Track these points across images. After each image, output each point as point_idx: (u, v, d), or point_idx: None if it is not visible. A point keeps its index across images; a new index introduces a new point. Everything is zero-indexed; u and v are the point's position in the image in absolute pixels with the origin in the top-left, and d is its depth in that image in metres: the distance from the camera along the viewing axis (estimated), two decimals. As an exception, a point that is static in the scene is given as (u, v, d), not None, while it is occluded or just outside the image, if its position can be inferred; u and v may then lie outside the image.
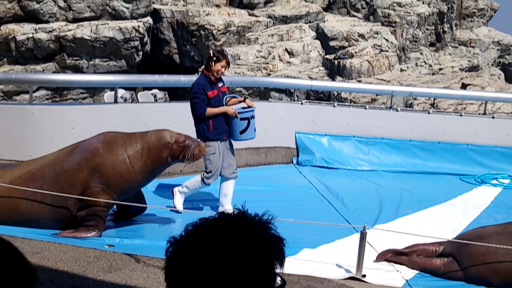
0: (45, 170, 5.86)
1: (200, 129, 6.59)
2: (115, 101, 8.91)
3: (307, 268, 5.42)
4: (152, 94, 11.63)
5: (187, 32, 18.88)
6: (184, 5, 19.88)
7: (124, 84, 10.17)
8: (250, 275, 1.25)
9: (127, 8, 18.25)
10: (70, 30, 17.61)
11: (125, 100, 10.31)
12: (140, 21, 18.23)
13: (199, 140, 6.17)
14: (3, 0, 17.44)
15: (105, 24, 17.82)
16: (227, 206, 6.70)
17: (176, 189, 6.82)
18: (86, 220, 5.71)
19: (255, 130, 6.72)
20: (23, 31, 17.46)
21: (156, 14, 19.20)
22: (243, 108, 6.70)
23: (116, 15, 18.25)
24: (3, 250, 1.31)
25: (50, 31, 17.52)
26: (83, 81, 10.95)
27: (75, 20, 18.02)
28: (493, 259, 5.37)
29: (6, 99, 16.03)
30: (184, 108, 9.41)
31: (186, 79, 10.35)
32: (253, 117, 6.64)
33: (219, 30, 18.50)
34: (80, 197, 5.62)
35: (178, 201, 6.78)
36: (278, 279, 1.34)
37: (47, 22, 17.77)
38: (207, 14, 19.06)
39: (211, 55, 6.78)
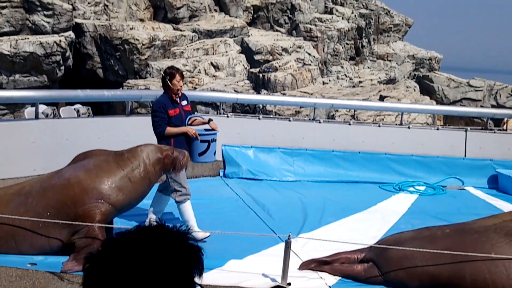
0: (33, 186, 5.63)
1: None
2: (36, 117, 8.55)
3: (233, 279, 5.41)
4: (74, 109, 11.32)
5: (111, 47, 18.55)
6: (107, 19, 19.57)
7: (45, 100, 9.84)
8: (168, 285, 1.23)
9: (48, 22, 17.76)
10: (-12, 44, 16.96)
11: (47, 116, 9.95)
12: (62, 36, 17.77)
13: (183, 150, 6.07)
14: None
15: (25, 39, 17.26)
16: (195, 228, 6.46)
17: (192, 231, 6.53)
18: (84, 242, 5.34)
19: (215, 153, 6.59)
20: None
21: (78, 29, 18.76)
22: (205, 130, 6.53)
23: (36, 30, 17.72)
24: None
25: (-34, 46, 16.82)
26: (3, 97, 10.42)
27: (-7, 35, 17.36)
28: (410, 263, 5.49)
29: None
30: (108, 123, 9.20)
31: (110, 94, 10.12)
32: (214, 140, 6.51)
33: (143, 45, 18.25)
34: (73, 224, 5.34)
35: (197, 233, 6.40)
36: None
37: (-37, 36, 17.08)
38: (131, 29, 18.81)
39: (164, 74, 6.62)
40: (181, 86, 6.56)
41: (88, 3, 19.69)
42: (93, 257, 1.24)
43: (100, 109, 14.31)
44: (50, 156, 8.05)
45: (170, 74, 6.51)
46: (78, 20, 18.86)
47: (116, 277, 1.19)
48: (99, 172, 5.61)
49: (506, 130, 12.69)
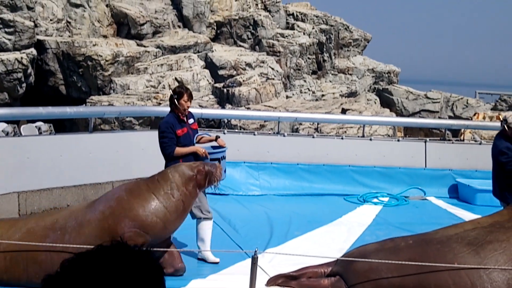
0: (67, 220, 5.33)
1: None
2: (-5, 135, 8.34)
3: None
4: (36, 126, 11.05)
5: (74, 63, 18.33)
6: (70, 36, 19.33)
7: (6, 118, 9.57)
8: None
9: (9, 39, 17.45)
10: None
11: (7, 134, 9.68)
12: (24, 53, 17.50)
13: (214, 163, 5.91)
14: None
15: (-15, 56, 16.96)
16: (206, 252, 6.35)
17: (201, 252, 6.37)
18: None
19: (225, 171, 6.24)
20: None
21: (40, 46, 18.48)
22: (213, 147, 6.38)
23: (-3, 47, 17.40)
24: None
25: None
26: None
27: (-49, 52, 16.99)
28: (376, 275, 5.47)
29: None
30: (71, 140, 9.00)
31: (73, 111, 9.97)
32: (224, 157, 6.32)
33: (107, 61, 18.08)
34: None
35: (208, 254, 6.35)
36: None
37: None
38: (94, 45, 18.61)
39: (172, 93, 6.48)
40: (188, 106, 6.39)
41: (50, 20, 19.44)
42: (50, 277, 1.20)
43: (62, 126, 14.04)
44: (11, 175, 7.86)
45: (178, 93, 6.38)
46: (40, 37, 18.58)
47: None
48: (130, 199, 5.41)
49: (463, 140, 12.91)
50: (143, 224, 5.33)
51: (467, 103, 20.35)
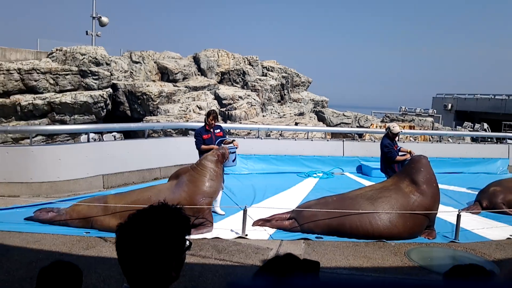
0: (158, 196, 5.15)
1: (200, 157, 6.28)
2: (88, 141, 8.35)
3: (213, 233, 5.31)
4: (112, 135, 11.06)
5: (135, 97, 18.26)
6: (132, 81, 19.26)
7: (94, 130, 9.66)
8: (170, 241, 1.19)
9: (95, 83, 17.41)
10: (58, 97, 16.42)
11: (95, 140, 9.70)
12: (104, 91, 17.41)
13: (221, 146, 6.06)
14: (11, 79, 15.98)
15: (81, 93, 16.84)
16: (217, 208, 6.38)
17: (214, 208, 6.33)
18: (203, 223, 5.38)
19: (234, 160, 6.33)
20: (25, 99, 16.06)
21: (114, 86, 18.37)
22: (229, 147, 6.29)
23: (88, 87, 17.29)
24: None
25: (43, 99, 16.24)
26: (67, 129, 10.24)
27: (60, 91, 16.79)
28: (315, 218, 5.58)
29: (14, 143, 14.54)
30: (134, 143, 9.06)
31: (135, 125, 10.06)
32: (231, 152, 6.23)
33: (155, 95, 18.04)
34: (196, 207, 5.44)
35: (218, 209, 6.38)
36: (187, 242, 1.28)
37: (42, 93, 16.47)
38: (147, 86, 18.54)
39: (206, 114, 6.71)
40: (212, 122, 6.54)
41: (120, 71, 19.38)
42: (121, 224, 1.22)
43: (129, 135, 13.98)
44: (98, 164, 7.90)
45: (207, 114, 6.65)
46: (114, 81, 18.49)
47: (136, 236, 1.18)
48: (195, 184, 5.48)
49: (364, 139, 13.05)
50: (209, 194, 5.51)
51: (367, 118, 20.56)
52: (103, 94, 17.17)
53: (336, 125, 19.59)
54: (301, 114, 20.84)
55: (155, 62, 20.55)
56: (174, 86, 19.50)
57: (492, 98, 32.22)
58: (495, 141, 14.00)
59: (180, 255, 1.25)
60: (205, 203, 5.40)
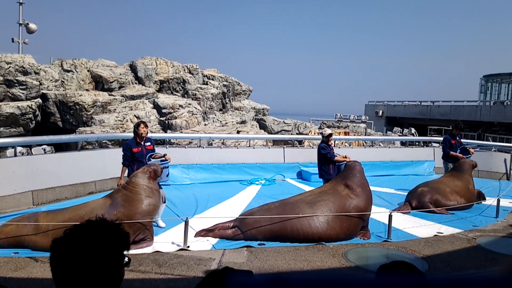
0: (92, 215, 4.92)
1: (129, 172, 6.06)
2: (15, 155, 7.74)
3: (153, 248, 5.16)
4: (42, 148, 10.32)
5: (67, 107, 17.25)
6: (64, 90, 18.21)
7: (22, 143, 8.90)
8: (108, 256, 1.17)
9: (23, 93, 16.20)
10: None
11: (23, 154, 9.00)
12: (33, 101, 16.24)
13: (153, 163, 5.71)
14: None
15: (7, 104, 15.61)
16: (159, 221, 6.20)
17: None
18: (143, 238, 5.17)
19: (168, 175, 6.06)
20: None
21: (44, 96, 17.24)
22: (161, 161, 6.02)
23: (14, 98, 16.04)
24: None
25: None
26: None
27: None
28: (258, 225, 5.64)
29: None
30: (66, 156, 8.54)
31: (66, 137, 9.55)
32: (168, 167, 6.02)
33: (89, 105, 17.19)
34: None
35: (159, 222, 6.20)
36: (126, 258, 1.26)
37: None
38: (80, 95, 17.62)
39: (134, 125, 6.29)
40: (143, 131, 6.15)
41: (50, 80, 18.25)
42: (57, 240, 1.18)
43: (60, 147, 13.16)
44: (26, 179, 7.36)
45: (136, 125, 6.22)
46: (44, 91, 17.36)
47: (73, 252, 1.14)
48: (128, 205, 5.13)
49: (304, 146, 13.46)
50: (148, 212, 5.21)
51: (306, 125, 21.26)
52: (31, 104, 16.01)
53: (277, 133, 20.01)
54: (243, 122, 21.02)
55: (88, 71, 19.61)
56: (109, 95, 18.72)
57: (418, 104, 34.89)
58: (422, 144, 15.17)
59: (119, 271, 1.22)
60: (146, 223, 5.18)
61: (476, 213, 7.70)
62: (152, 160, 6.02)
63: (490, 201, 8.13)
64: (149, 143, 6.32)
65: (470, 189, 8.20)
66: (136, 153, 6.14)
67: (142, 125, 6.21)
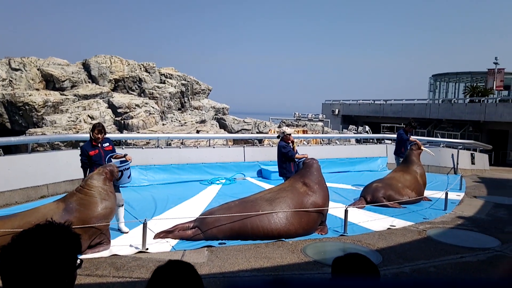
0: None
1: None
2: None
3: (110, 251, 5.02)
4: (-13, 151, 9.66)
5: (16, 108, 16.33)
6: (12, 90, 17.19)
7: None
8: (60, 260, 1.16)
9: (-36, 92, 15.14)
10: None
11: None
12: (-24, 101, 15.22)
13: (110, 163, 5.53)
14: None
15: None
16: (121, 225, 5.98)
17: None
18: (100, 242, 5.02)
19: (130, 176, 5.84)
20: None
21: (-11, 96, 16.21)
22: (121, 161, 5.81)
23: (-46, 97, 14.96)
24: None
25: None
26: None
27: None
28: (218, 224, 5.65)
29: None
30: (15, 159, 8.10)
31: (16, 139, 8.96)
32: (129, 168, 5.79)
33: (39, 105, 16.35)
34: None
35: (122, 226, 6.02)
36: (78, 260, 1.25)
37: None
38: (30, 95, 16.72)
39: (90, 128, 6.02)
40: (98, 136, 5.90)
41: (-4, 78, 17.19)
42: (4, 247, 1.15)
43: (9, 150, 12.43)
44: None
45: (92, 128, 5.98)
46: (-11, 90, 16.34)
47: (23, 258, 1.12)
48: (84, 209, 4.91)
49: (263, 145, 13.58)
50: (104, 216, 5.03)
51: (265, 124, 21.46)
52: (-26, 104, 15.02)
53: (237, 132, 20.02)
54: (203, 121, 20.86)
55: (38, 69, 18.65)
56: (61, 94, 17.93)
57: (372, 103, 36.27)
58: (375, 141, 15.78)
59: (71, 274, 1.20)
60: (102, 227, 5.00)
61: (426, 206, 8.14)
62: (113, 160, 5.81)
63: (439, 194, 8.62)
64: (107, 144, 6.09)
65: (419, 180, 8.65)
66: (93, 156, 5.89)
67: (96, 131, 5.93)
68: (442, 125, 30.06)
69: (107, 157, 5.89)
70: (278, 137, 7.75)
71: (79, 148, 11.19)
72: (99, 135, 5.94)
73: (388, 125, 31.82)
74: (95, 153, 5.91)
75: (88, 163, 5.89)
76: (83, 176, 5.98)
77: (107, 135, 6.27)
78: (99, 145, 5.97)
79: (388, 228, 6.48)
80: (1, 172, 7.42)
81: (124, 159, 5.96)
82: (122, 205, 6.05)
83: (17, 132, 15.72)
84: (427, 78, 43.92)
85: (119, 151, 9.45)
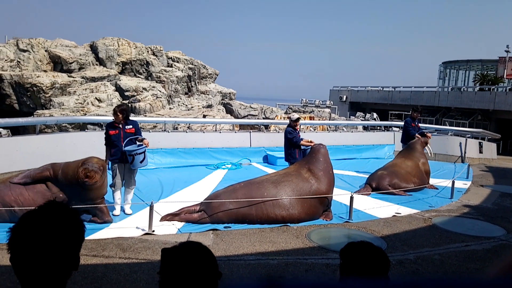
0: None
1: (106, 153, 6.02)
2: (-34, 138, 7.30)
3: (117, 233, 5.07)
4: (-3, 131, 9.82)
5: (24, 89, 16.39)
6: (20, 71, 17.23)
7: (-27, 126, 8.44)
8: (64, 240, 1.16)
9: (-27, 73, 15.22)
10: None
11: (-25, 137, 8.50)
12: (-15, 82, 15.31)
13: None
14: None
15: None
16: (126, 207, 6.04)
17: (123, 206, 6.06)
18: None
19: (141, 161, 5.88)
20: None
21: (-2, 77, 16.29)
22: (138, 145, 5.87)
23: (-37, 78, 15.05)
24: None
25: None
26: None
27: None
28: (224, 208, 5.68)
29: None
30: (23, 140, 8.16)
31: (24, 120, 9.03)
32: (137, 153, 5.80)
33: (47, 87, 16.40)
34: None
35: (126, 207, 6.09)
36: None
37: None
38: (37, 77, 16.76)
39: (114, 109, 6.07)
40: (118, 118, 5.95)
41: (5, 60, 17.21)
42: (13, 227, 1.17)
43: (17, 131, 12.56)
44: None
45: (114, 111, 6.02)
46: (-2, 72, 16.41)
47: (28, 239, 1.13)
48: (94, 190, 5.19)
49: (270, 130, 13.55)
50: (101, 195, 5.24)
51: (272, 110, 21.33)
52: (-17, 85, 15.11)
53: (243, 117, 19.94)
54: (209, 106, 20.82)
55: (46, 51, 18.64)
56: (69, 76, 17.94)
57: (380, 90, 35.86)
58: (383, 129, 15.66)
59: (79, 250, 1.22)
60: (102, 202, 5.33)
61: (432, 194, 8.11)
62: (127, 147, 5.83)
63: (445, 183, 8.57)
64: (130, 126, 6.08)
65: (420, 167, 8.60)
66: (112, 135, 5.95)
67: (117, 111, 5.98)
68: (451, 113, 29.72)
69: (126, 139, 5.92)
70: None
71: (86, 129, 11.24)
72: (119, 115, 5.97)
73: (396, 112, 31.53)
74: (115, 133, 5.96)
75: (108, 141, 5.99)
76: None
77: (106, 118, 6.31)
78: (121, 126, 5.98)
79: (393, 216, 6.47)
80: (9, 152, 7.49)
81: (140, 143, 5.99)
82: (132, 189, 6.09)
83: (25, 113, 15.82)
84: (437, 65, 43.29)
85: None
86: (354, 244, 1.81)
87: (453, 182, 8.05)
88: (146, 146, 5.93)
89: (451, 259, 4.74)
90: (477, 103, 27.50)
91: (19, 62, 17.71)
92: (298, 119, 7.60)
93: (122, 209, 6.03)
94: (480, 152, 13.92)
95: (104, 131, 6.13)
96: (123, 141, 5.89)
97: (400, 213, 6.62)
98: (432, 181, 8.85)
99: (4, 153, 7.43)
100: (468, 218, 6.58)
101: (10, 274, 3.88)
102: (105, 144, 6.06)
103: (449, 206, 7.31)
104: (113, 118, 6.05)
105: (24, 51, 18.03)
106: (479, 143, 14.02)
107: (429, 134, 9.61)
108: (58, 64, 18.73)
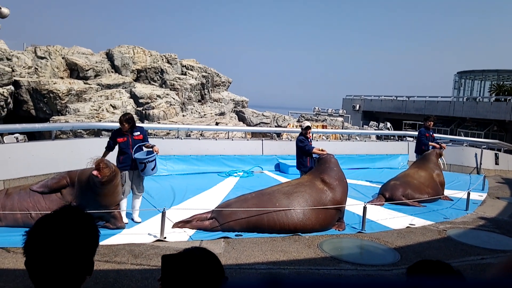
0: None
1: (116, 161, 5.98)
2: (-16, 143, 7.46)
3: (130, 239, 5.10)
4: (14, 137, 9.97)
5: (40, 95, 16.73)
6: (37, 78, 17.61)
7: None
8: (78, 245, 1.16)
9: (-7, 79, 15.62)
10: None
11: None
12: (5, 88, 15.69)
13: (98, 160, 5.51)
14: None
15: (-25, 90, 14.98)
16: (135, 214, 6.02)
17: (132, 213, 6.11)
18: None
19: (152, 169, 5.94)
20: None
21: (16, 84, 16.65)
22: (147, 153, 5.92)
23: (-16, 84, 15.46)
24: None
25: None
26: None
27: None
28: (235, 217, 5.65)
29: None
30: (39, 145, 8.30)
31: (40, 126, 9.21)
32: (149, 161, 5.85)
33: (63, 93, 16.72)
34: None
35: (135, 215, 6.14)
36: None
37: None
38: (54, 83, 17.10)
39: (119, 119, 6.10)
40: (125, 127, 5.96)
41: (23, 67, 17.61)
42: (29, 231, 1.17)
43: (33, 136, 12.79)
44: (-3, 168, 7.11)
45: (119, 120, 6.06)
46: (16, 78, 16.77)
47: (41, 243, 1.13)
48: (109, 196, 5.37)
49: (282, 139, 13.52)
50: (115, 202, 5.35)
51: (284, 118, 21.35)
52: (3, 92, 15.49)
53: (256, 125, 19.98)
54: (222, 114, 20.92)
55: (63, 58, 19.04)
56: (85, 83, 18.26)
57: (394, 99, 35.58)
58: (396, 138, 15.50)
59: (93, 255, 1.22)
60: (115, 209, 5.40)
61: (447, 206, 7.96)
62: (137, 155, 5.85)
63: (461, 194, 8.41)
64: (138, 133, 6.10)
65: (434, 178, 8.47)
66: (121, 143, 5.98)
67: (122, 120, 5.97)
68: (466, 123, 29.26)
69: (135, 146, 5.94)
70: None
71: (101, 136, 11.42)
72: (125, 125, 5.98)
73: (411, 122, 31.20)
74: (123, 140, 5.99)
75: (113, 147, 6.06)
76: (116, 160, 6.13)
77: (141, 125, 6.37)
78: (129, 133, 6.03)
79: (407, 227, 6.36)
80: (25, 157, 7.63)
81: (151, 149, 6.00)
82: (140, 195, 6.12)
83: (41, 119, 16.12)
84: (451, 75, 42.80)
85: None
86: (426, 263, 1.74)
87: (469, 194, 7.90)
88: (156, 153, 5.94)
89: (466, 272, 4.63)
90: (493, 113, 27.04)
91: (37, 68, 18.11)
92: (308, 127, 7.55)
93: (130, 217, 6.06)
94: (496, 163, 13.64)
95: (110, 136, 6.15)
96: (132, 148, 5.92)
97: (414, 224, 6.51)
98: (447, 192, 8.69)
99: (21, 157, 7.56)
100: (484, 231, 6.43)
101: (24, 278, 3.94)
102: (105, 147, 6.10)
103: (464, 218, 7.16)
104: (121, 127, 6.03)
105: (42, 58, 18.44)
106: (495, 154, 13.76)
107: (444, 145, 9.47)
108: (74, 71, 19.10)
